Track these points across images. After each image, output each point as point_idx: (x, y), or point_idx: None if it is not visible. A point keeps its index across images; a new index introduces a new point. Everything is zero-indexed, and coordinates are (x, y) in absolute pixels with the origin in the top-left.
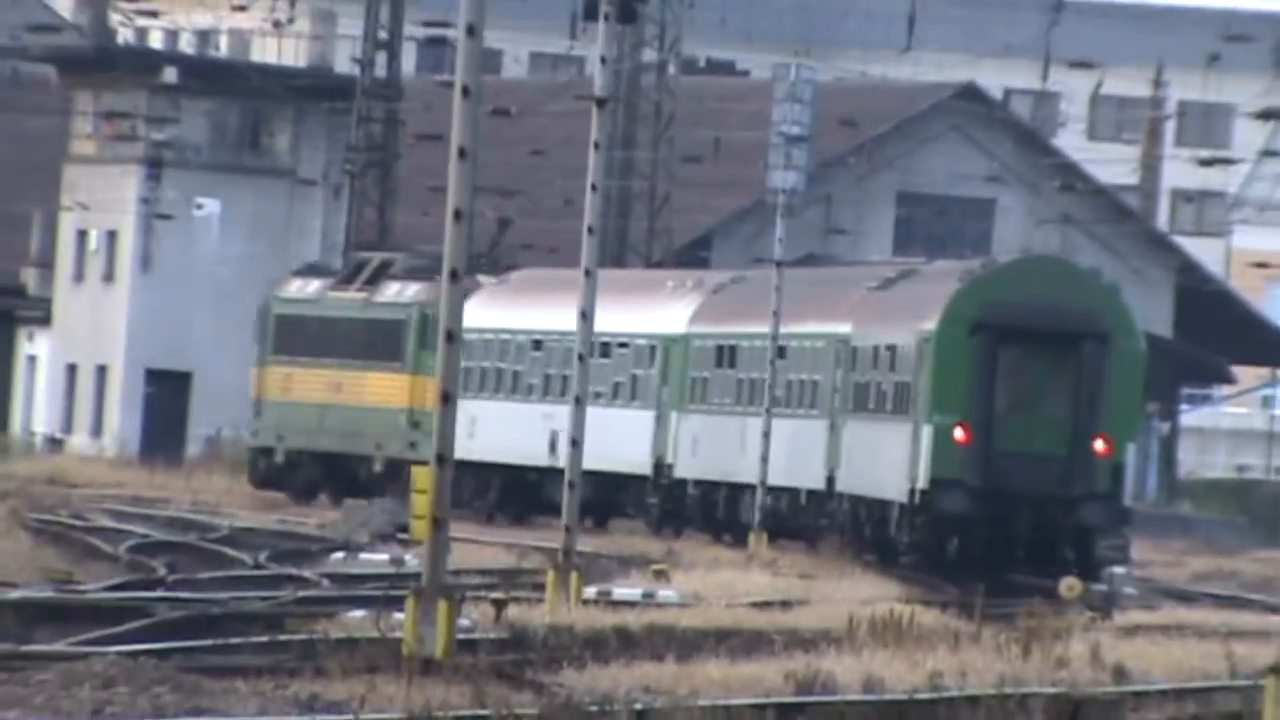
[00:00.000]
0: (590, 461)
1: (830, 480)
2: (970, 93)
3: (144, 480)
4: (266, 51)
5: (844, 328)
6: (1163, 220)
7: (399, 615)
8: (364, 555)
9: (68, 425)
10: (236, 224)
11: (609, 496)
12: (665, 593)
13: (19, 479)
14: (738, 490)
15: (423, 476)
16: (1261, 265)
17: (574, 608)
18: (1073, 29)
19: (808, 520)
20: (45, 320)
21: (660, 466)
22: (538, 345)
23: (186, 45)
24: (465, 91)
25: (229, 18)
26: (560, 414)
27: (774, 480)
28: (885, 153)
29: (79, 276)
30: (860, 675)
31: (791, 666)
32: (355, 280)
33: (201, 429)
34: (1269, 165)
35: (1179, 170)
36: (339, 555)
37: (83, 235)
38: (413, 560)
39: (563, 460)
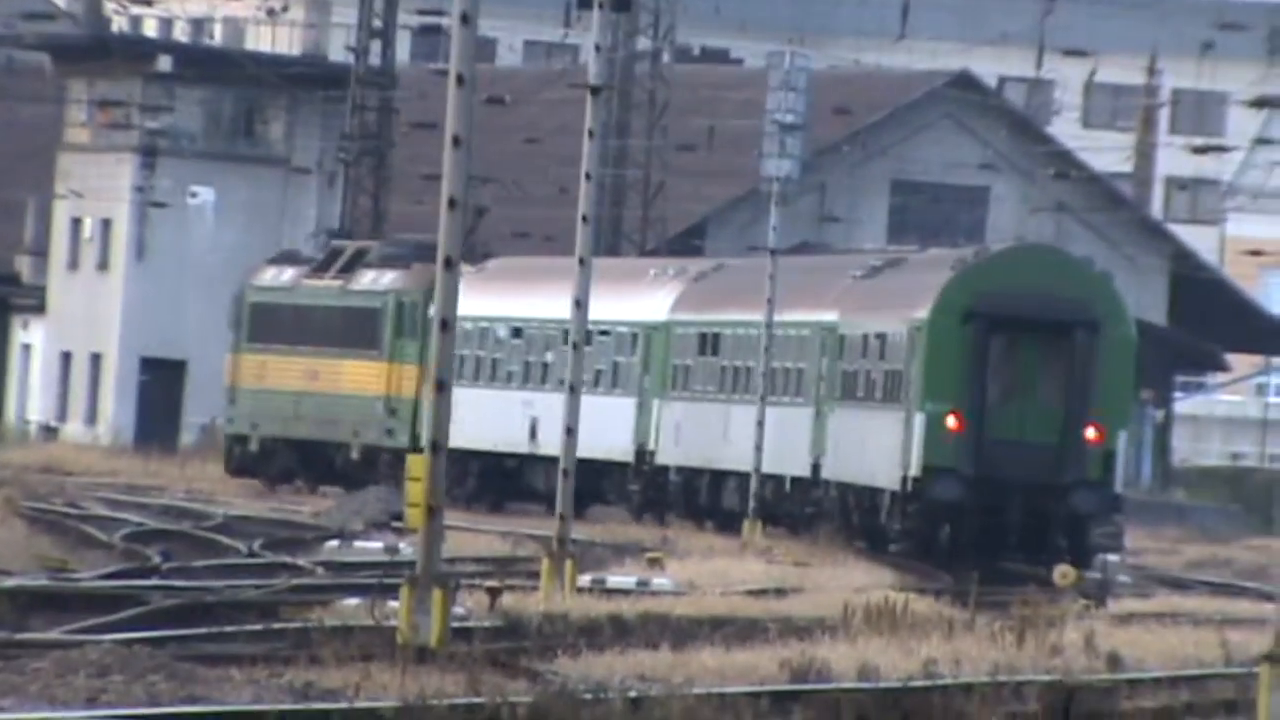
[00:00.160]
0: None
1: (816, 467)
2: (964, 80)
3: (138, 468)
4: (261, 40)
5: (830, 316)
6: (1157, 208)
7: (393, 603)
8: (358, 543)
9: (62, 413)
10: (231, 212)
11: (589, 484)
12: (660, 581)
13: (14, 467)
14: (721, 477)
15: (417, 464)
16: (1255, 253)
17: (568, 596)
18: (1067, 17)
19: (793, 507)
20: (40, 308)
21: (642, 453)
22: (517, 333)
23: (181, 33)
24: (460, 80)
25: (223, 6)
26: (540, 401)
27: (760, 467)
28: (879, 141)
29: (74, 265)
30: (855, 663)
31: (786, 654)
32: (330, 268)
33: (196, 417)
34: (1262, 153)
35: (1173, 158)
36: (333, 543)
37: (77, 223)
38: (407, 548)
39: (543, 447)
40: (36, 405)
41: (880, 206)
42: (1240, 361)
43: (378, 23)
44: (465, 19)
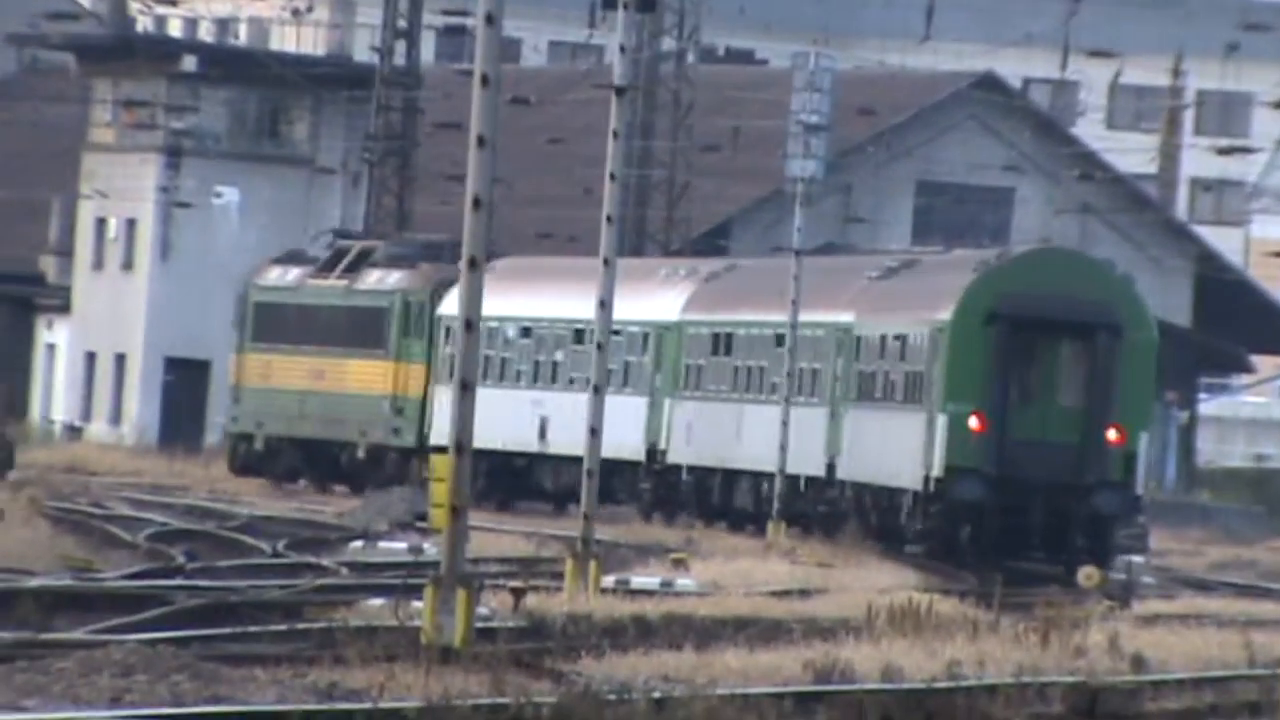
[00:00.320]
0: (583, 448)
1: (831, 467)
2: (989, 82)
3: (162, 468)
4: (285, 40)
5: (846, 316)
6: (1181, 209)
7: (417, 604)
8: (382, 544)
9: (86, 413)
10: (255, 212)
11: (599, 482)
12: (683, 581)
13: (38, 467)
14: (734, 476)
15: (441, 465)
16: None
17: (592, 596)
18: (1092, 18)
19: (807, 506)
20: (64, 308)
21: (653, 453)
22: (526, 332)
23: (205, 34)
24: (484, 80)
25: (248, 6)
26: (550, 400)
27: (772, 466)
28: (904, 142)
29: (98, 265)
30: (879, 664)
31: (810, 655)
32: (336, 268)
33: (220, 417)
34: None
35: (1198, 159)
36: (357, 544)
37: (102, 223)
38: (431, 549)
39: (553, 446)
40: (61, 405)
41: (905, 207)
42: (1265, 363)
43: (402, 23)
44: (490, 19)
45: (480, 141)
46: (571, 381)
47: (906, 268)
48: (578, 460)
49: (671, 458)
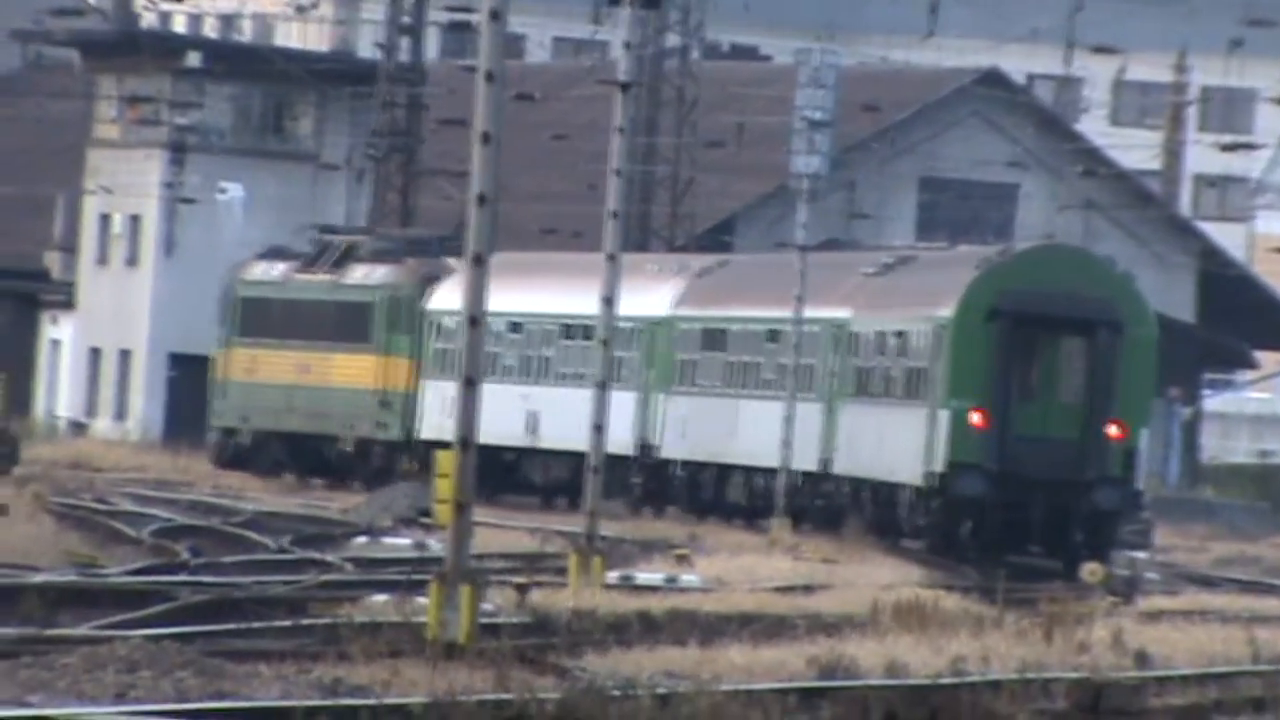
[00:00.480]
0: (572, 442)
1: (827, 462)
2: (993, 78)
3: (167, 464)
4: (290, 36)
5: (841, 313)
6: (1185, 205)
7: (422, 599)
8: (386, 539)
9: (91, 409)
10: (260, 208)
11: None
12: (687, 577)
13: (43, 463)
14: (727, 471)
15: (446, 460)
16: None
17: (596, 592)
18: (1095, 14)
19: (803, 501)
20: (69, 304)
21: (644, 447)
22: (516, 327)
23: (210, 29)
24: (489, 76)
25: (252, 2)
26: (538, 395)
27: (766, 461)
28: (908, 138)
29: (103, 260)
30: (883, 660)
31: (814, 651)
32: (321, 263)
33: None
34: None
35: (1201, 155)
36: (361, 540)
37: (106, 219)
38: (435, 544)
39: (543, 441)
40: (65, 401)
41: (909, 203)
42: (1268, 359)
43: (407, 19)
44: (494, 15)
45: (484, 138)
46: (561, 376)
47: (903, 264)
48: (566, 455)
49: (664, 453)
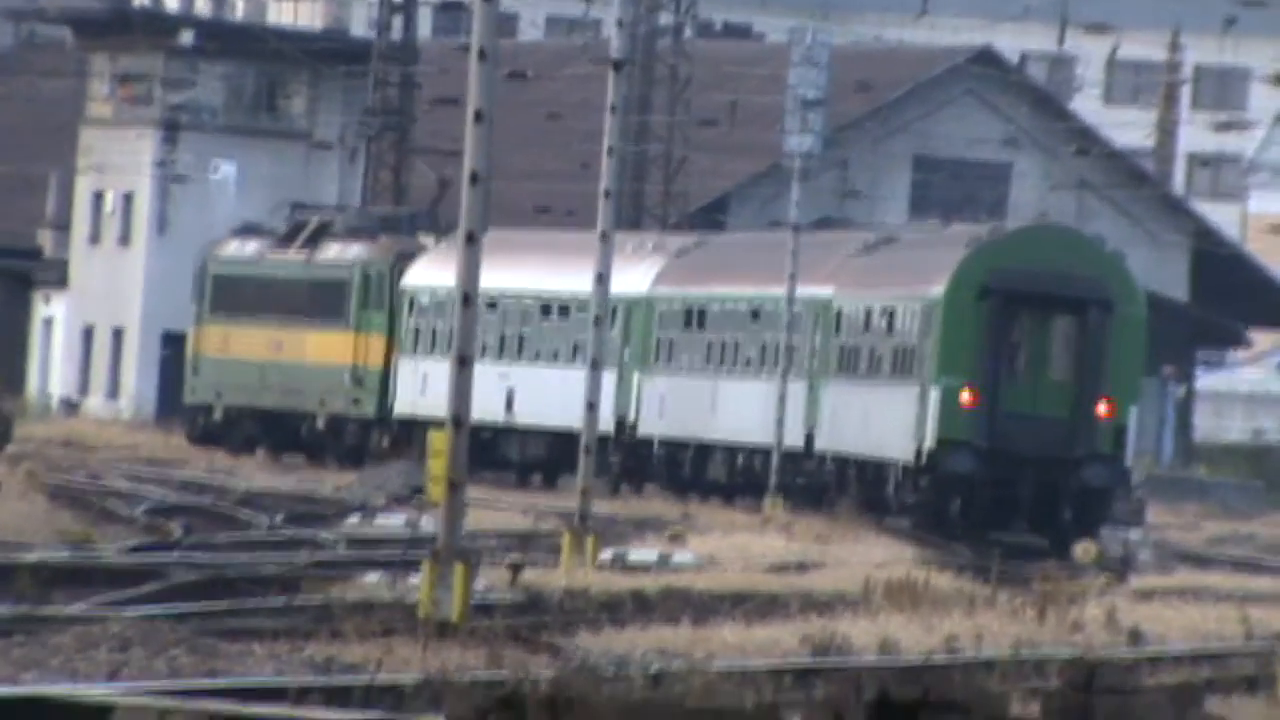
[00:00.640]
0: (549, 420)
1: (809, 439)
2: (986, 56)
3: (160, 443)
4: (283, 14)
5: (824, 291)
6: (1179, 184)
7: (414, 578)
8: (379, 518)
9: (84, 388)
10: (252, 187)
11: (564, 454)
12: (681, 556)
13: (35, 441)
14: (707, 450)
15: (439, 439)
16: (1278, 229)
17: (590, 571)
18: None
19: (785, 478)
20: (61, 282)
21: (622, 426)
22: (492, 305)
23: (203, 8)
24: (481, 55)
25: None
26: (516, 373)
27: (747, 438)
28: (901, 116)
29: (95, 239)
30: (876, 638)
31: (807, 630)
32: (295, 240)
33: None
34: None
35: (1195, 134)
36: (354, 518)
37: (99, 198)
38: (428, 523)
39: (519, 418)
40: (58, 379)
41: (902, 182)
42: (1262, 338)
43: None
44: None
45: (477, 116)
46: (538, 354)
47: (886, 244)
48: (543, 433)
49: (642, 430)
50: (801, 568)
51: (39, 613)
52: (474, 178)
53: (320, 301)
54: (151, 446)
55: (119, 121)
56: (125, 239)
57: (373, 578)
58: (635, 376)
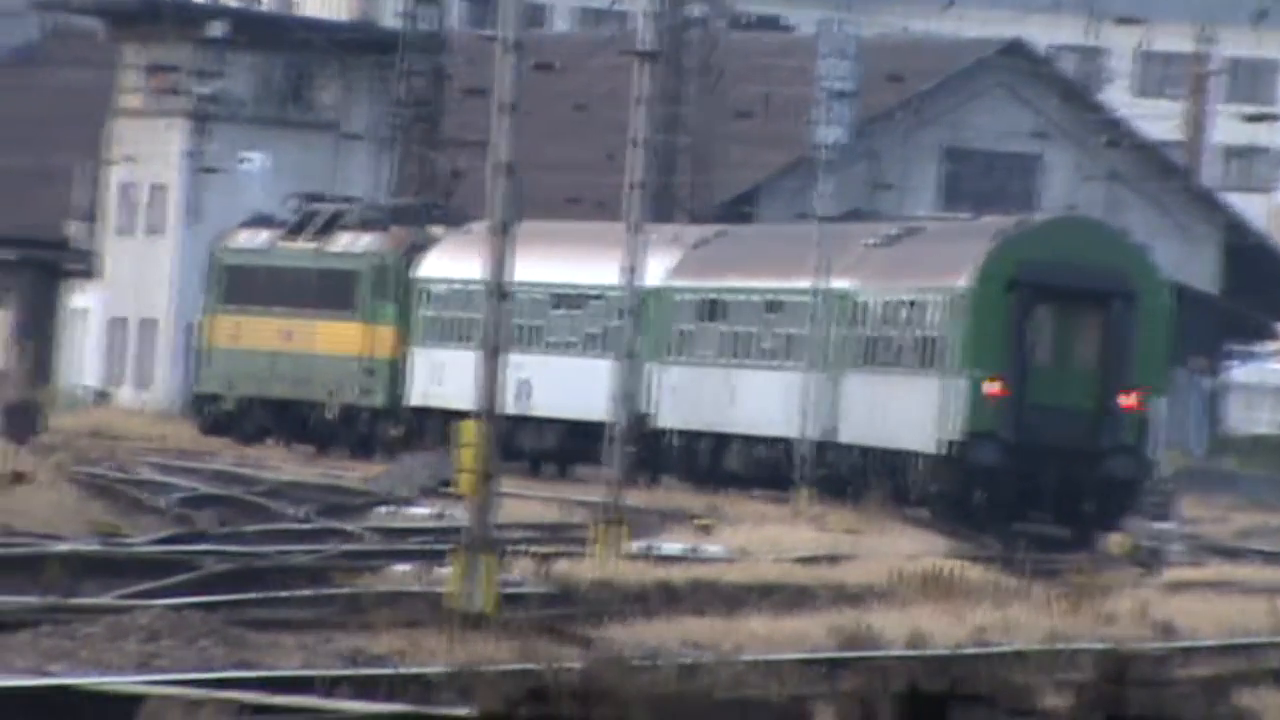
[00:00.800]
0: (563, 410)
1: (830, 431)
2: (1016, 49)
3: (188, 434)
4: (311, 5)
5: (843, 283)
6: (1209, 176)
7: (443, 570)
8: (408, 509)
9: (114, 378)
10: (282, 177)
11: (579, 445)
12: (710, 548)
13: (65, 432)
14: (724, 441)
15: (469, 430)
16: None
17: (619, 562)
18: None
19: (805, 470)
20: (90, 273)
21: (638, 417)
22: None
23: None
24: (510, 46)
25: None
26: (529, 364)
27: (767, 430)
28: (931, 108)
29: (126, 230)
30: (906, 630)
31: (837, 621)
32: (305, 231)
33: None
34: None
35: (1225, 126)
36: (383, 509)
37: (129, 189)
38: (457, 514)
39: (534, 409)
40: (88, 370)
41: (932, 174)
42: None
43: None
44: None
45: (506, 107)
46: (551, 345)
47: (907, 235)
48: (557, 423)
49: (659, 422)
50: (831, 560)
51: (69, 603)
52: (504, 169)
53: (331, 292)
54: (180, 437)
55: (149, 112)
56: (155, 230)
57: (402, 569)
58: (651, 368)
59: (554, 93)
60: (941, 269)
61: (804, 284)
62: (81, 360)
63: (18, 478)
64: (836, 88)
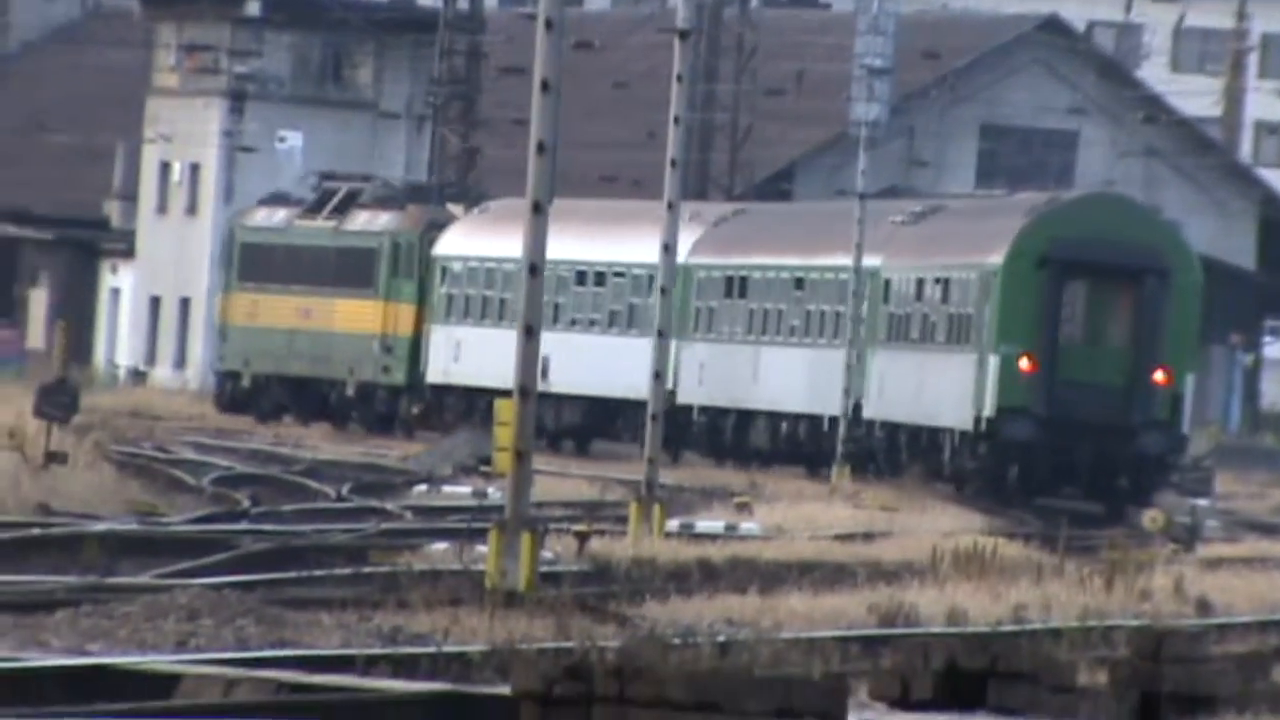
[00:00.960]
0: (586, 387)
1: (857, 407)
2: (1053, 25)
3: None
4: None
5: (872, 260)
6: (1246, 152)
7: (482, 548)
8: (446, 488)
9: (151, 358)
10: (319, 157)
11: (601, 421)
12: (747, 525)
13: (103, 412)
14: (748, 417)
15: (506, 409)
16: None
17: (656, 540)
18: None
19: (831, 445)
20: (129, 253)
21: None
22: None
23: None
24: (548, 24)
25: None
26: (548, 340)
27: (793, 407)
28: (968, 85)
29: (162, 209)
30: (944, 608)
31: (875, 599)
32: (323, 209)
33: None
34: None
35: (1262, 102)
36: (421, 488)
37: (166, 168)
38: (495, 493)
39: (554, 386)
40: (125, 349)
41: (969, 150)
42: None
43: None
44: None
45: (544, 86)
46: (573, 322)
47: (934, 213)
48: (577, 399)
49: (682, 398)
50: (869, 537)
51: (107, 583)
52: (540, 147)
53: (349, 270)
54: (217, 416)
55: (186, 92)
56: (192, 209)
57: (440, 547)
58: (673, 344)
59: (593, 71)
60: (972, 246)
61: (832, 261)
62: (117, 339)
63: (55, 457)
64: (875, 65)
